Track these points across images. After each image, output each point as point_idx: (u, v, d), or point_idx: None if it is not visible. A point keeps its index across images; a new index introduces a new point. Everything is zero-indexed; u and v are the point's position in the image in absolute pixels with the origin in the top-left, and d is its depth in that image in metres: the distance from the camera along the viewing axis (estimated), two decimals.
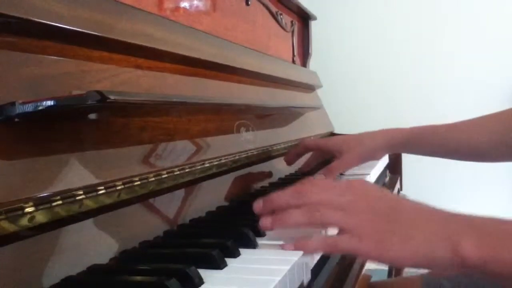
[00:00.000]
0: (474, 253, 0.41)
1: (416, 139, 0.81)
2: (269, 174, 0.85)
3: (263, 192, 0.72)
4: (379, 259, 0.45)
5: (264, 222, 0.48)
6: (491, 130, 0.74)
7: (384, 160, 1.15)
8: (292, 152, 0.88)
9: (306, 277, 0.45)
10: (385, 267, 1.27)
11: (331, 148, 0.84)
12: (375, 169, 0.97)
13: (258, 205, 0.50)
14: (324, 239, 0.47)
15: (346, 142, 0.84)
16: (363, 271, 0.61)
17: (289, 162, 0.88)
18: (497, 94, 1.94)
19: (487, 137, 0.74)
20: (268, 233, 0.52)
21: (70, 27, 0.44)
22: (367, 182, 0.52)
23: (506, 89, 1.94)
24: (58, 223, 0.39)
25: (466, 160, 0.82)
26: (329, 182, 0.51)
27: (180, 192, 0.57)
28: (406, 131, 0.82)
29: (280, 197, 0.49)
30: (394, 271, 1.24)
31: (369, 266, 0.66)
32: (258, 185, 0.79)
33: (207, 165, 0.61)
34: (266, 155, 0.83)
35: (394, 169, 1.27)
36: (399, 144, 0.83)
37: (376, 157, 0.86)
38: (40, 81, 0.41)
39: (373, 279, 0.83)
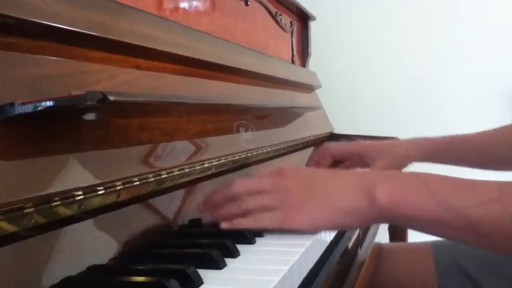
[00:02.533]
0: (386, 197, 0.45)
1: (451, 150, 0.81)
2: None
3: None
4: (304, 225, 0.48)
5: (202, 215, 0.55)
6: (505, 141, 0.75)
7: None
8: (314, 161, 0.88)
9: (306, 277, 0.45)
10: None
11: (363, 154, 0.83)
12: None
13: (200, 209, 0.55)
14: (252, 218, 0.50)
15: (380, 150, 0.83)
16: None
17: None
18: (497, 95, 1.94)
19: None
20: (267, 233, 0.52)
21: (69, 28, 0.44)
22: (297, 166, 0.55)
23: (506, 89, 1.94)
24: (57, 223, 0.39)
25: (499, 170, 0.81)
26: (259, 174, 0.57)
27: (180, 193, 0.57)
28: (439, 141, 0.82)
29: (214, 195, 0.54)
30: None
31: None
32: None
33: (207, 165, 0.61)
34: (265, 156, 0.83)
35: None
36: (433, 155, 0.83)
37: (405, 166, 0.86)
38: (39, 81, 0.41)
39: None
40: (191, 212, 0.58)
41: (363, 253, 0.68)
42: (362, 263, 0.63)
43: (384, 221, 0.49)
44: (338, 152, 0.87)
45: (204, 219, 0.54)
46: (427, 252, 0.76)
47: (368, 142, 0.90)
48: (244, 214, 0.51)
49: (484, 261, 0.70)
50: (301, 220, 0.48)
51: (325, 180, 0.51)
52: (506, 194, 0.42)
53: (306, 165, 0.88)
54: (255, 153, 0.77)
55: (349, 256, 0.62)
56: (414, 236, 1.29)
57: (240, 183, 0.53)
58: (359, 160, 0.85)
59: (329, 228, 0.50)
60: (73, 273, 0.39)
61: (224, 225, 0.51)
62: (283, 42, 1.26)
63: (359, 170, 0.53)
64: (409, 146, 0.83)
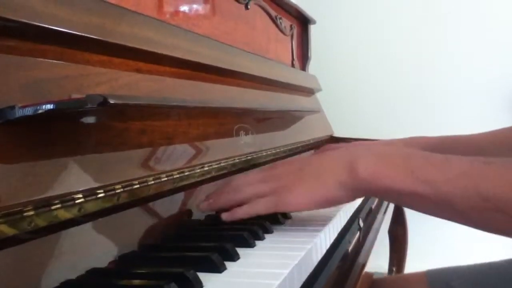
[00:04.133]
0: (366, 170, 0.48)
1: (444, 150, 0.81)
2: None
3: None
4: (297, 204, 0.51)
5: (202, 205, 0.57)
6: (503, 142, 0.76)
7: None
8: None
9: (306, 281, 0.45)
10: (385, 269, 1.27)
11: None
12: None
13: (205, 206, 0.58)
14: (248, 205, 0.53)
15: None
16: (364, 272, 0.61)
17: None
18: (497, 98, 1.94)
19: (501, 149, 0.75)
20: (267, 236, 0.52)
21: (70, 31, 0.44)
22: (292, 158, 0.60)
23: (507, 93, 1.94)
24: (57, 226, 0.39)
25: None
26: (257, 169, 0.61)
27: (180, 196, 0.57)
28: (433, 141, 0.83)
29: (214, 192, 0.59)
30: (395, 270, 1.24)
31: (369, 268, 0.66)
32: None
33: (207, 168, 0.61)
34: (265, 159, 0.83)
35: None
36: None
37: None
38: (40, 84, 0.41)
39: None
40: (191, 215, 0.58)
41: (363, 257, 0.68)
42: (362, 267, 0.63)
43: (367, 194, 0.52)
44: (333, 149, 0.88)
45: (202, 206, 0.57)
46: (420, 281, 0.76)
47: (361, 141, 0.91)
48: (241, 203, 0.54)
49: (478, 284, 0.70)
50: (294, 200, 0.51)
51: (314, 162, 0.54)
52: (476, 169, 0.43)
53: None
54: (255, 156, 0.77)
55: (349, 260, 0.62)
56: (414, 237, 1.29)
57: (237, 178, 0.57)
58: None
59: (320, 204, 0.52)
60: (73, 276, 0.39)
61: (224, 216, 0.54)
62: (283, 46, 1.27)
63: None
64: (402, 144, 0.84)
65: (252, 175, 0.57)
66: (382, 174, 0.48)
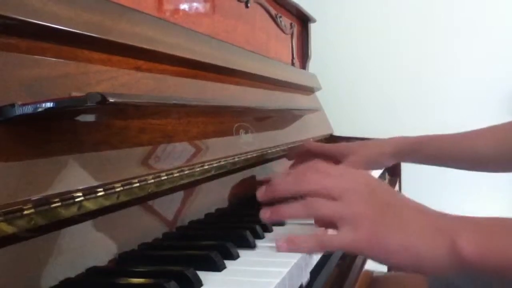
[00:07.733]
0: (472, 248, 0.40)
1: (422, 148, 0.81)
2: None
3: None
4: (373, 254, 0.44)
5: (263, 214, 0.49)
6: (497, 139, 0.75)
7: None
8: (293, 153, 0.88)
9: (305, 279, 0.45)
10: (384, 267, 1.27)
11: (335, 152, 0.84)
12: (374, 171, 0.97)
13: (260, 193, 0.51)
14: (317, 238, 0.46)
15: (351, 147, 0.84)
16: (363, 270, 0.61)
17: (290, 159, 0.89)
18: (497, 98, 1.94)
19: (492, 147, 0.75)
20: (267, 235, 0.52)
21: (69, 29, 0.44)
22: (365, 172, 0.52)
23: (507, 93, 1.94)
24: (57, 224, 0.39)
25: (470, 169, 0.82)
26: (328, 167, 0.51)
27: (179, 194, 0.57)
28: (412, 139, 0.83)
29: (281, 185, 0.50)
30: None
31: (368, 266, 0.66)
32: (257, 187, 0.79)
33: (206, 167, 0.61)
34: (265, 158, 0.83)
35: (393, 171, 1.27)
36: (405, 152, 0.83)
37: (383, 164, 0.86)
38: (39, 82, 0.41)
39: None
40: (190, 213, 0.58)
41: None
42: (362, 264, 0.63)
43: (462, 272, 0.44)
44: (316, 147, 0.87)
45: (262, 214, 0.50)
46: (420, 279, 0.75)
47: (343, 142, 0.91)
48: (308, 216, 0.48)
49: (479, 281, 0.70)
50: (373, 248, 0.44)
51: (400, 208, 0.46)
52: None
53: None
54: (255, 155, 0.77)
55: (349, 258, 0.62)
56: None
57: (311, 181, 0.48)
58: (332, 160, 0.85)
59: (400, 267, 0.44)
60: (72, 274, 0.39)
61: (266, 215, 0.49)
62: (283, 44, 1.27)
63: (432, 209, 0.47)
64: (383, 144, 0.84)
65: (329, 185, 0.47)
66: (492, 251, 0.41)
